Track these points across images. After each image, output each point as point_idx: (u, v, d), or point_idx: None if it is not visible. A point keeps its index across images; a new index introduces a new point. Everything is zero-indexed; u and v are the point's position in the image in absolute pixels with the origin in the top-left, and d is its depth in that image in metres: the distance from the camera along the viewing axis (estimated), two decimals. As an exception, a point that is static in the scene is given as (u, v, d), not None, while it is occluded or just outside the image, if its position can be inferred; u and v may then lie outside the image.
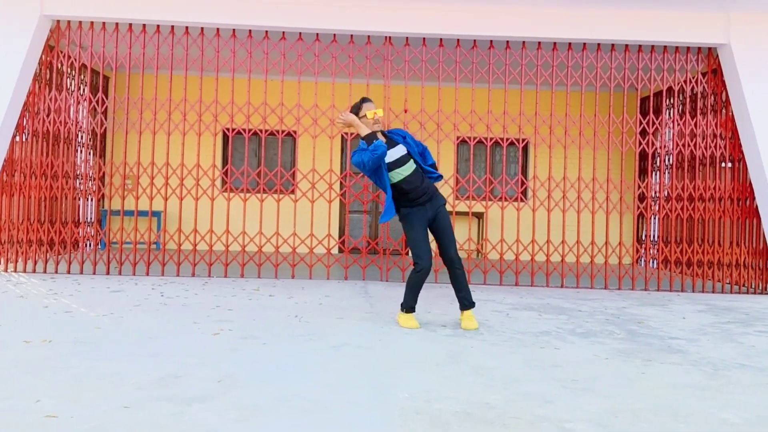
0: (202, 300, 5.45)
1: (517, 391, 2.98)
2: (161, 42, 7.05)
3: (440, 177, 4.57)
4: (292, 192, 8.42)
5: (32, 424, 2.37)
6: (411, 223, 4.35)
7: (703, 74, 7.45)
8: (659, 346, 4.11)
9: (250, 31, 7.05)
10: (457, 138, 7.52)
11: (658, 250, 7.87)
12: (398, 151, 4.35)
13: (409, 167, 4.34)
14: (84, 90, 8.09)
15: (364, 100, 4.48)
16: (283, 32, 7.07)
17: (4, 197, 6.96)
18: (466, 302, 4.46)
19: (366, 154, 4.16)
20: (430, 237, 4.46)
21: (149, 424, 2.41)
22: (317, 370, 3.27)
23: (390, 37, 7.13)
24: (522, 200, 7.63)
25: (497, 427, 2.49)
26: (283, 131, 7.34)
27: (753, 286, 7.18)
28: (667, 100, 8.59)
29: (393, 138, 4.44)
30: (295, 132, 7.81)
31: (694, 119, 7.36)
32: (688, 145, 7.31)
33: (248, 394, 2.81)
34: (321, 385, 2.98)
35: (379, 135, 4.38)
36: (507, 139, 7.39)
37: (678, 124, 7.43)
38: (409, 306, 4.49)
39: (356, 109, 4.45)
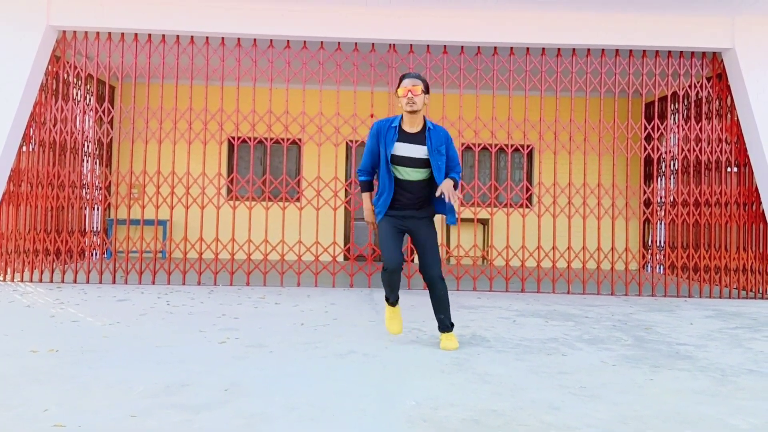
0: (208, 308, 5.46)
1: (524, 398, 2.97)
2: (166, 51, 7.09)
3: (457, 176, 3.94)
4: (297, 200, 8.45)
5: (40, 434, 2.38)
6: (381, 226, 3.99)
7: (708, 79, 7.44)
8: (667, 352, 4.09)
9: (254, 40, 7.09)
10: (462, 144, 7.52)
11: (664, 256, 7.84)
12: (410, 150, 3.84)
13: (410, 173, 3.87)
14: (90, 100, 8.13)
15: (405, 76, 3.91)
16: (288, 41, 7.10)
17: (11, 207, 7.00)
18: (443, 325, 4.07)
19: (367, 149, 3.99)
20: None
21: (156, 432, 2.41)
22: (324, 377, 3.27)
23: (394, 45, 7.16)
24: (527, 206, 7.62)
25: (505, 435, 2.48)
26: (288, 139, 7.36)
27: (760, 291, 7.14)
28: (672, 105, 8.58)
29: (427, 134, 3.87)
30: (300, 140, 7.84)
31: (699, 124, 7.35)
32: (694, 150, 7.29)
33: (255, 402, 2.81)
34: (328, 393, 2.98)
35: (408, 116, 3.84)
36: (512, 146, 7.39)
37: (683, 129, 7.42)
38: (386, 297, 4.14)
39: (397, 86, 3.96)
